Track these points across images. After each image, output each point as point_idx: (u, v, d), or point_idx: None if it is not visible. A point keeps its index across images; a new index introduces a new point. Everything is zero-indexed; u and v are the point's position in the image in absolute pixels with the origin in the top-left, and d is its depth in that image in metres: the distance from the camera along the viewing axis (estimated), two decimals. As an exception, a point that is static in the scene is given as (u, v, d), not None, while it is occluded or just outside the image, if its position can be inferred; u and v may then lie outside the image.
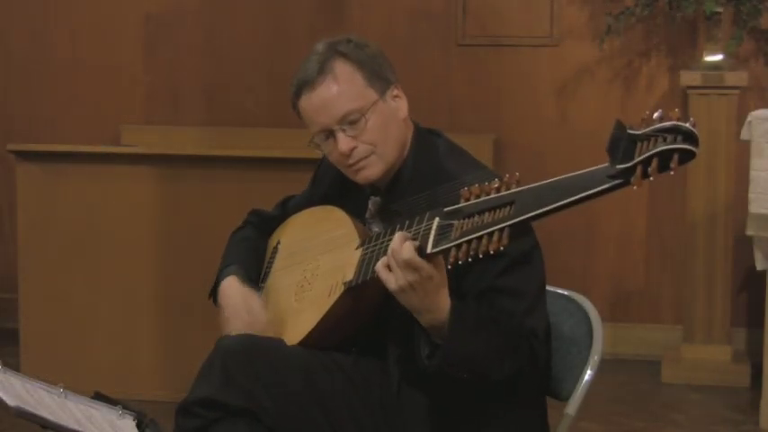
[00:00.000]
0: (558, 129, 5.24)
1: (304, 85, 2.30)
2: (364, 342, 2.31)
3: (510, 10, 5.25)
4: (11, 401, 1.88)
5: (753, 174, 4.29)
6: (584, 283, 5.14)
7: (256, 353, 2.23)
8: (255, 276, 2.51)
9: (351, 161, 2.30)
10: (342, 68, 2.29)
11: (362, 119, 2.27)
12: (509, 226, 1.83)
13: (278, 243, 2.56)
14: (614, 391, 4.65)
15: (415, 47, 5.30)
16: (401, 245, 2.01)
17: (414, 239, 2.01)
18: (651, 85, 5.18)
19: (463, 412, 2.22)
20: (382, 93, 2.30)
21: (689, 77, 4.82)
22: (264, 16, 5.42)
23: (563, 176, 1.83)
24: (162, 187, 4.41)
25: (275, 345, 2.28)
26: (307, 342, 2.28)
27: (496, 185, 1.89)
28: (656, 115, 1.73)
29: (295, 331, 2.31)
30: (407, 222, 2.08)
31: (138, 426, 2.08)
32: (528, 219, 1.83)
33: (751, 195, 4.29)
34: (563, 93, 5.24)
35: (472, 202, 1.90)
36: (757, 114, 4.34)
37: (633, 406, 4.51)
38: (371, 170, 2.30)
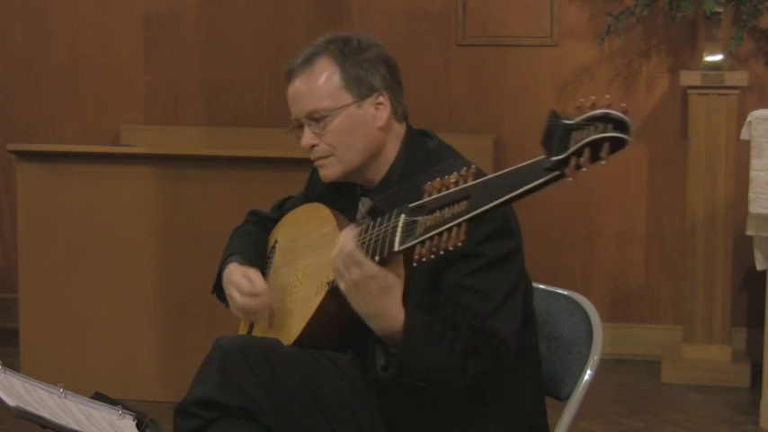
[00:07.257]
0: (558, 129, 5.23)
1: (289, 73, 2.36)
2: (360, 341, 2.31)
3: (510, 10, 5.25)
4: (11, 401, 1.88)
5: (753, 174, 4.29)
6: (584, 283, 5.14)
7: (254, 352, 2.23)
8: (258, 267, 2.50)
9: (312, 157, 2.35)
10: (322, 66, 2.31)
11: (326, 119, 2.29)
12: (465, 221, 1.83)
13: (275, 242, 2.58)
14: (614, 391, 4.65)
15: (415, 47, 5.30)
16: (346, 238, 2.03)
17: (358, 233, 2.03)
18: (651, 85, 5.18)
19: (459, 408, 2.23)
20: (360, 98, 2.30)
21: (689, 77, 4.82)
22: (264, 16, 5.42)
23: (509, 169, 1.81)
24: (162, 187, 4.41)
25: (273, 344, 2.28)
26: (301, 342, 2.29)
27: (454, 179, 1.88)
28: (588, 102, 1.69)
29: (289, 332, 2.32)
30: (378, 220, 2.06)
31: (138, 426, 2.08)
32: (481, 213, 1.82)
33: (751, 195, 4.29)
34: (563, 93, 5.24)
35: (434, 197, 1.90)
36: (757, 114, 4.34)
37: (633, 406, 4.50)
38: (329, 170, 2.34)
